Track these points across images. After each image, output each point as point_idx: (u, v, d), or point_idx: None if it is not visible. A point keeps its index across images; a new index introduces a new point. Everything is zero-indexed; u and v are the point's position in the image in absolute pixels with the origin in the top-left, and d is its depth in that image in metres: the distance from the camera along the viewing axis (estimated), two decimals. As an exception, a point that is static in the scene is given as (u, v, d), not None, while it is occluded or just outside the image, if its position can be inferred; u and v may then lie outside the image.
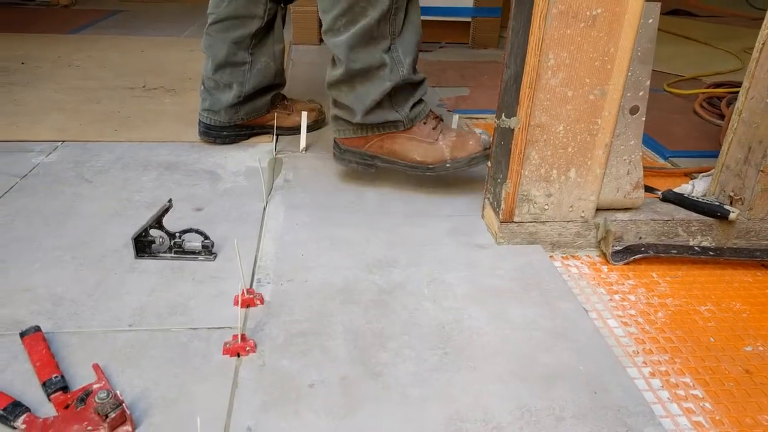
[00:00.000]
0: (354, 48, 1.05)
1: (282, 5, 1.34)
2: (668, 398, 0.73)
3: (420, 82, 1.14)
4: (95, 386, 0.68)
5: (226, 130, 1.38)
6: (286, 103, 1.46)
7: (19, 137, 1.38)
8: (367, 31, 1.03)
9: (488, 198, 1.07)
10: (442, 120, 1.19)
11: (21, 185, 1.17)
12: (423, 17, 2.30)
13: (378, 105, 1.10)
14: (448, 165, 1.14)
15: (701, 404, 0.73)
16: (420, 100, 1.15)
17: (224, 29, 1.29)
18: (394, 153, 1.15)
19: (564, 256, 1.03)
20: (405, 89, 1.11)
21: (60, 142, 1.37)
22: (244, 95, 1.33)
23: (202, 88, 1.36)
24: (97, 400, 0.63)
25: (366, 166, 1.16)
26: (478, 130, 1.19)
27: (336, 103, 1.14)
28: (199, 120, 1.38)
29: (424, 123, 1.15)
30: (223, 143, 1.40)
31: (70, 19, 2.66)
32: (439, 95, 1.83)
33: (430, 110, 1.17)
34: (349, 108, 1.11)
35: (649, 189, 1.08)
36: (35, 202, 1.11)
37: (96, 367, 0.71)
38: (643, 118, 0.96)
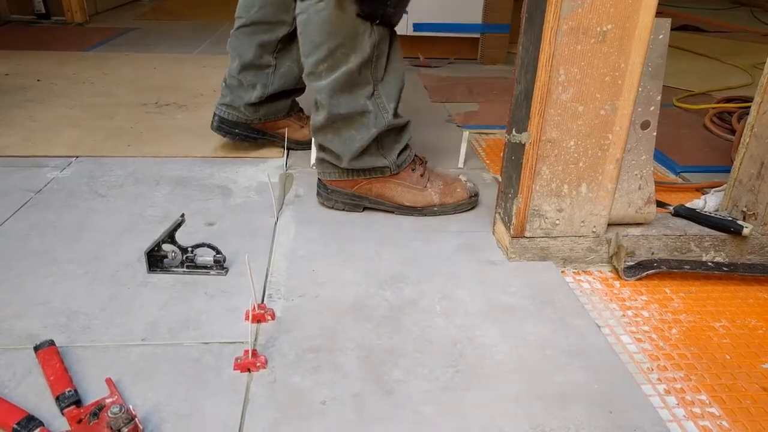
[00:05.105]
0: (336, 93, 1.05)
1: None
2: (684, 416, 0.72)
3: (404, 126, 1.15)
4: (108, 401, 0.68)
5: (239, 128, 1.40)
6: (301, 114, 1.48)
7: (34, 153, 1.40)
8: (348, 76, 1.04)
9: (499, 213, 1.07)
10: (426, 162, 1.21)
11: (36, 200, 1.18)
12: (433, 34, 2.36)
13: (365, 151, 1.10)
14: (435, 209, 1.17)
15: (718, 422, 0.72)
16: (406, 146, 1.16)
17: (252, 33, 1.31)
18: (382, 196, 1.16)
19: (575, 271, 1.02)
20: (390, 135, 1.12)
21: (74, 158, 1.39)
22: (267, 96, 1.36)
23: (224, 85, 1.38)
24: (110, 415, 0.63)
25: (353, 206, 1.18)
26: (463, 178, 1.21)
27: (322, 148, 1.14)
28: (215, 113, 1.40)
29: (413, 170, 1.17)
30: (233, 140, 1.42)
31: (85, 37, 2.70)
32: (448, 111, 1.83)
33: (416, 155, 1.19)
34: (336, 153, 1.12)
35: (660, 204, 1.07)
36: (50, 217, 1.12)
37: (109, 381, 0.71)
38: (654, 133, 0.96)
